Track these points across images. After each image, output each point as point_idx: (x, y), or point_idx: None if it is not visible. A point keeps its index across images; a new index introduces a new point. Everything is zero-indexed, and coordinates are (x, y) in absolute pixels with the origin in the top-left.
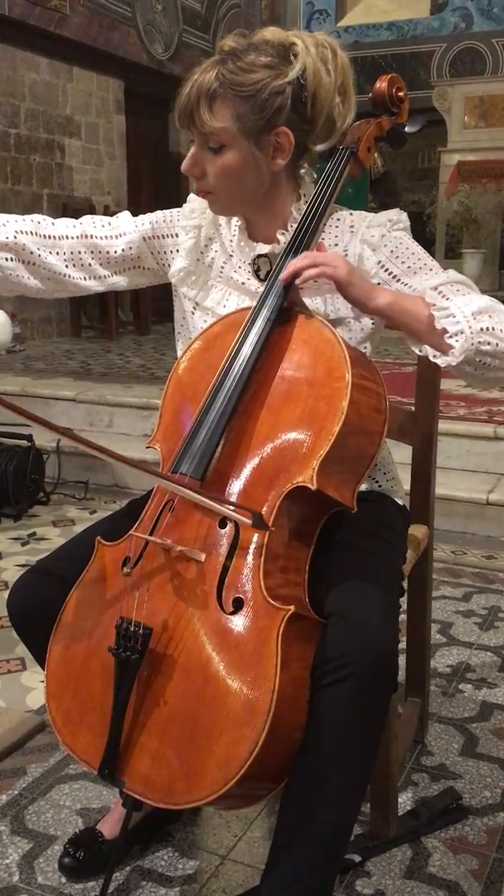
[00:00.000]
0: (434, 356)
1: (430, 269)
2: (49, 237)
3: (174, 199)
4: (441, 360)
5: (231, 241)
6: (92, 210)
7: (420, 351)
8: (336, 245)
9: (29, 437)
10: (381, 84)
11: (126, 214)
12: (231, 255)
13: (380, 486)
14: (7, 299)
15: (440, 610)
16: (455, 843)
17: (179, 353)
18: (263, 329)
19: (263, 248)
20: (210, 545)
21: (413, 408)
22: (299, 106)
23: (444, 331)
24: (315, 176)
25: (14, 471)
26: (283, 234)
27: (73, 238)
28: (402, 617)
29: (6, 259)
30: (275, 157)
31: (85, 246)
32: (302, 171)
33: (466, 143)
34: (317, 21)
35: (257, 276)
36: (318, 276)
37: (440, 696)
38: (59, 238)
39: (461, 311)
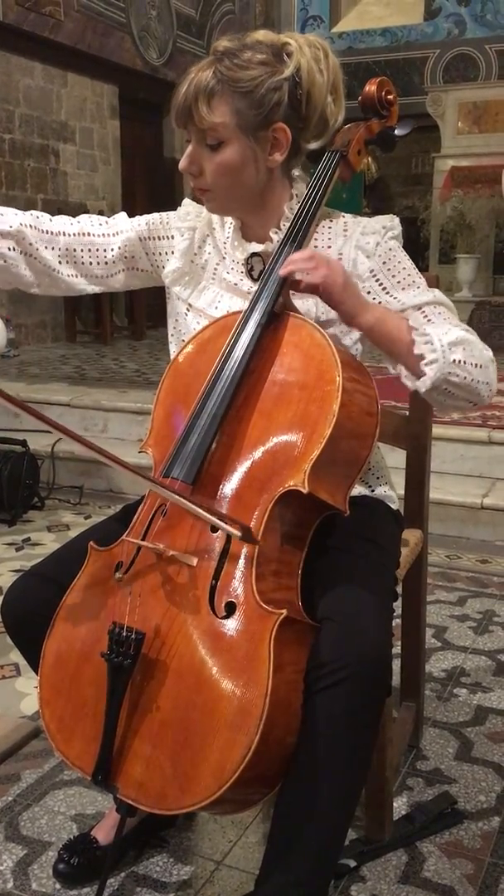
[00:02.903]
0: (406, 377)
1: (418, 287)
2: (47, 232)
3: (168, 204)
4: (411, 384)
5: (225, 242)
6: None
7: (394, 369)
8: (329, 248)
9: (23, 443)
10: (370, 87)
11: (123, 215)
12: (224, 257)
13: (373, 490)
14: (1, 304)
15: (435, 614)
16: (450, 847)
17: (172, 356)
18: (254, 333)
19: (257, 247)
20: (202, 550)
21: (407, 412)
22: (295, 103)
23: (422, 357)
24: (307, 178)
25: (9, 476)
26: (276, 232)
27: (70, 235)
28: (397, 621)
29: (9, 248)
30: (272, 154)
31: (82, 244)
32: (295, 172)
33: (460, 149)
34: (311, 27)
35: (250, 276)
36: (309, 291)
37: (435, 700)
38: (57, 234)
39: (439, 340)
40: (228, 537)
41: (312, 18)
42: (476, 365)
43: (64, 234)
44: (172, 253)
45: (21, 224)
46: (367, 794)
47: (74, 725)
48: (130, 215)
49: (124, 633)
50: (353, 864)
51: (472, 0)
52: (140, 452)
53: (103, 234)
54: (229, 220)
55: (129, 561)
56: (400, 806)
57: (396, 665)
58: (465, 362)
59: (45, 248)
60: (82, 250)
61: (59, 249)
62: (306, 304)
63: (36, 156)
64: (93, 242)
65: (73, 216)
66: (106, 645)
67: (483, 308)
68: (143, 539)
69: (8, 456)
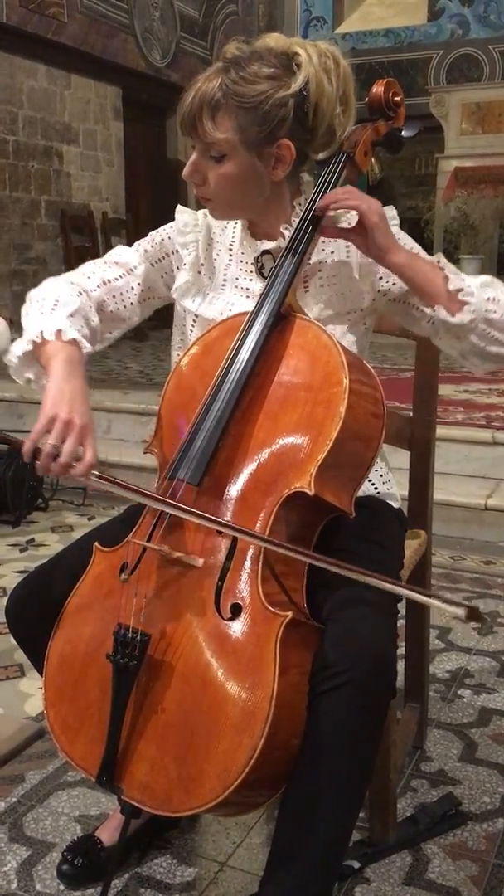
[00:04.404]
0: (447, 314)
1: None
2: (80, 294)
3: (172, 206)
4: (456, 318)
5: (231, 244)
6: (90, 217)
7: (432, 312)
8: (336, 241)
9: None
10: (378, 89)
11: (122, 248)
12: (230, 261)
13: (377, 490)
14: (4, 304)
15: (439, 615)
16: (454, 849)
17: (176, 360)
18: (261, 334)
19: (268, 245)
20: (208, 551)
21: (411, 413)
22: (301, 116)
23: (459, 289)
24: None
25: (12, 477)
26: (286, 228)
27: (96, 290)
28: (401, 622)
29: (81, 326)
30: (276, 168)
31: (108, 293)
32: (304, 176)
33: (463, 150)
34: (314, 28)
35: (261, 275)
36: (353, 207)
37: (439, 701)
38: (88, 293)
39: (470, 278)
40: (234, 539)
41: (316, 20)
42: None
43: (91, 291)
44: (178, 268)
45: (72, 296)
46: (371, 795)
47: (79, 727)
48: (134, 216)
49: (129, 635)
50: (357, 865)
51: (475, 1)
52: (145, 453)
53: (120, 276)
54: (232, 222)
55: (135, 562)
56: (404, 807)
57: (400, 666)
58: (498, 299)
59: (91, 314)
60: (109, 299)
61: (95, 308)
62: (309, 304)
63: (39, 157)
64: (115, 288)
65: (76, 218)
66: (111, 646)
67: None
68: (148, 540)
69: (12, 457)
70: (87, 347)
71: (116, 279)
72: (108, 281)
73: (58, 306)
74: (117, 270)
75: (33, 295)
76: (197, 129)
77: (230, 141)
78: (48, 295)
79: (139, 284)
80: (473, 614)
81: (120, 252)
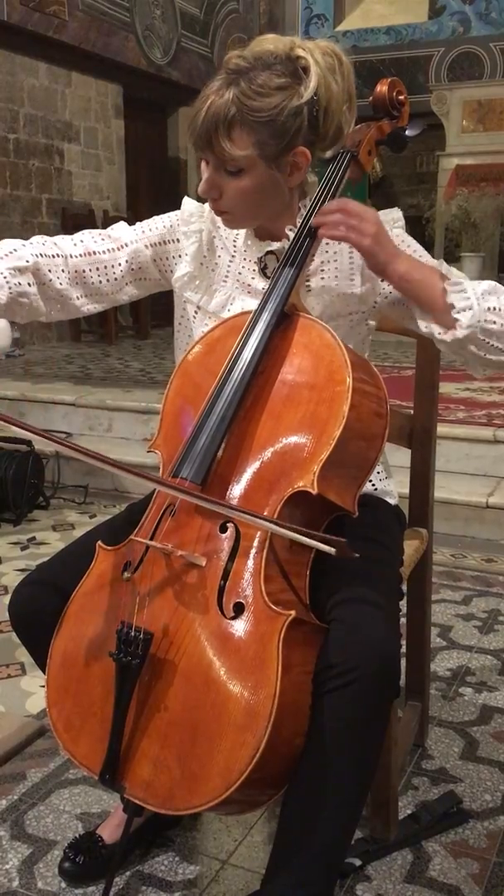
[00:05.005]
0: (440, 333)
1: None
2: (55, 256)
3: (173, 204)
4: (448, 335)
5: (235, 239)
6: (91, 215)
7: (426, 328)
8: (339, 244)
9: (28, 442)
10: (382, 87)
11: (123, 224)
12: (234, 256)
13: (375, 488)
14: None
15: (440, 613)
16: (456, 846)
17: (179, 358)
18: (264, 333)
19: (273, 246)
20: (211, 550)
21: (412, 411)
22: (313, 121)
23: (453, 305)
24: (315, 177)
25: (14, 475)
26: (291, 229)
27: (76, 256)
28: (402, 621)
29: (28, 284)
30: (292, 175)
31: (89, 264)
32: (310, 177)
33: (465, 147)
34: (315, 26)
35: (263, 274)
36: (343, 239)
37: (440, 699)
38: (65, 258)
39: (472, 288)
40: (237, 537)
41: (317, 17)
42: None
43: (71, 257)
44: (180, 257)
45: (33, 255)
46: (373, 793)
47: (82, 725)
48: (135, 214)
49: (132, 633)
50: (358, 863)
51: None
52: (149, 452)
53: (108, 250)
54: None
55: (138, 560)
56: (405, 805)
57: (402, 664)
58: (500, 309)
59: (57, 275)
60: (90, 270)
61: (69, 274)
62: (311, 303)
63: (40, 156)
64: (100, 260)
65: (78, 216)
66: (114, 645)
67: None
68: (151, 539)
69: (13, 455)
70: (0, 300)
71: (103, 252)
72: (94, 252)
73: (7, 257)
74: (107, 244)
75: (1, 242)
76: (213, 147)
77: (249, 157)
78: (9, 246)
79: (127, 262)
80: (342, 549)
81: (117, 228)
